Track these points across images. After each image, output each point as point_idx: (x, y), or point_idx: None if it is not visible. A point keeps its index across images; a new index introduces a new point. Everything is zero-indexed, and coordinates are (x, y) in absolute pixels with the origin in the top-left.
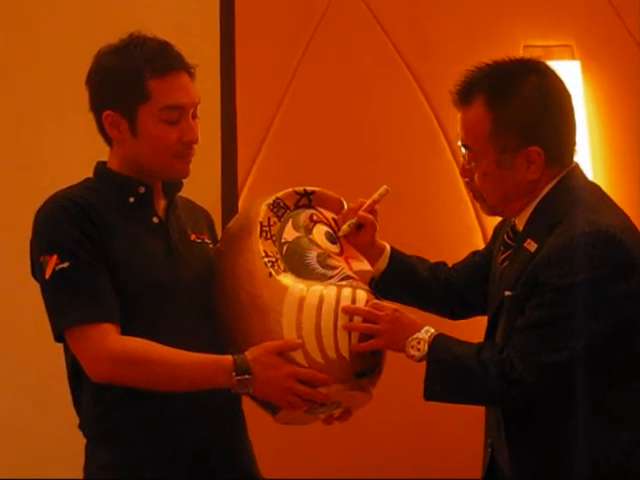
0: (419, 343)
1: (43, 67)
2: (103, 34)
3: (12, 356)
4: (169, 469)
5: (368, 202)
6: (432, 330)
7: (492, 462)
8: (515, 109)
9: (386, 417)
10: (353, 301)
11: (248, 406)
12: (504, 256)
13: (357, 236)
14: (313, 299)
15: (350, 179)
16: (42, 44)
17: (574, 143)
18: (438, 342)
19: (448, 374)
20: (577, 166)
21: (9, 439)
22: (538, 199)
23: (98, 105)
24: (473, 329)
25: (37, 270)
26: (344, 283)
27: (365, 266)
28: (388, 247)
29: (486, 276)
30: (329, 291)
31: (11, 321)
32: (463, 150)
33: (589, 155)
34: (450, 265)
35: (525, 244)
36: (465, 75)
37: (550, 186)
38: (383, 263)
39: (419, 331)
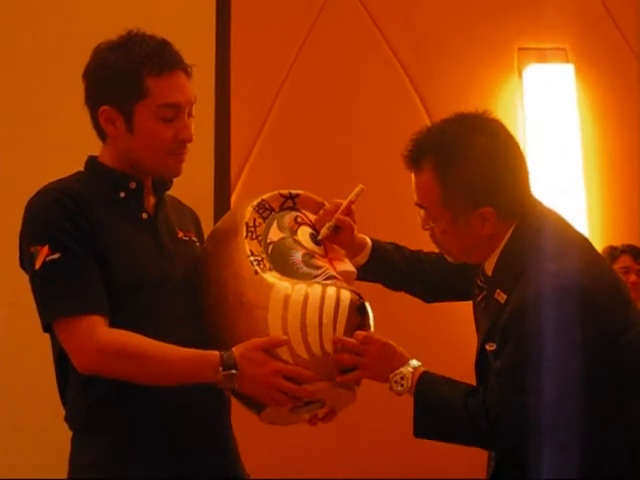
0: (402, 379)
1: (36, 64)
2: (98, 32)
3: None
4: (153, 467)
5: (344, 204)
6: (416, 364)
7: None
8: (463, 174)
9: (374, 419)
10: (337, 300)
11: (235, 408)
12: (479, 298)
13: (335, 237)
14: (298, 296)
15: (342, 178)
16: (37, 42)
17: (525, 192)
18: (425, 383)
19: (437, 420)
20: (531, 208)
21: None
22: (501, 247)
23: (95, 100)
24: (458, 321)
25: (27, 260)
26: (328, 282)
27: (349, 267)
28: (369, 242)
29: (457, 270)
30: (314, 290)
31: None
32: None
33: (581, 157)
34: (428, 252)
35: (495, 295)
36: (414, 139)
37: (509, 235)
38: (363, 258)
39: (403, 366)
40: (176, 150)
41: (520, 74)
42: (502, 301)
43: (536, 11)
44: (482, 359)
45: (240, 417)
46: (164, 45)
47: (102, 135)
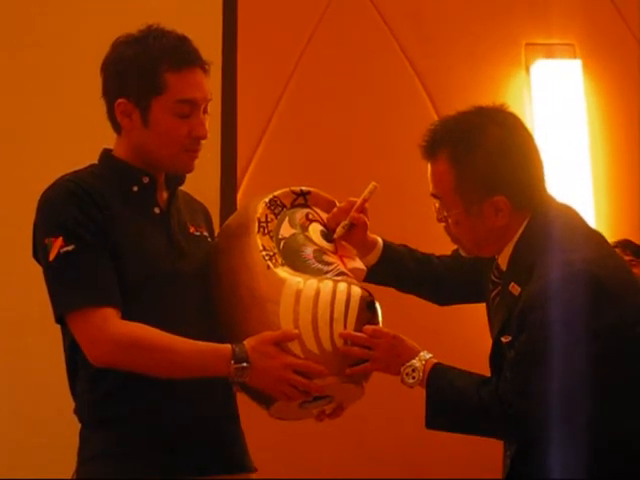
0: (414, 371)
1: (45, 62)
2: (104, 29)
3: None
4: (157, 461)
5: (359, 202)
6: (427, 356)
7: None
8: (477, 163)
9: (381, 416)
10: (348, 295)
11: (243, 402)
12: (494, 293)
13: (349, 235)
14: (310, 291)
15: (349, 175)
16: (45, 40)
17: (539, 185)
18: (436, 374)
19: (449, 409)
20: (544, 201)
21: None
22: (515, 240)
23: (111, 93)
24: (470, 319)
25: (40, 252)
26: (339, 278)
27: (359, 265)
28: (380, 242)
29: (470, 271)
30: (325, 285)
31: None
32: (435, 200)
33: (589, 153)
34: (439, 255)
35: (510, 287)
36: (430, 129)
37: (522, 228)
38: (374, 258)
39: (414, 358)
40: (190, 147)
41: (528, 70)
42: (516, 293)
43: (544, 7)
44: (497, 352)
45: (248, 412)
46: (183, 41)
47: (117, 128)
